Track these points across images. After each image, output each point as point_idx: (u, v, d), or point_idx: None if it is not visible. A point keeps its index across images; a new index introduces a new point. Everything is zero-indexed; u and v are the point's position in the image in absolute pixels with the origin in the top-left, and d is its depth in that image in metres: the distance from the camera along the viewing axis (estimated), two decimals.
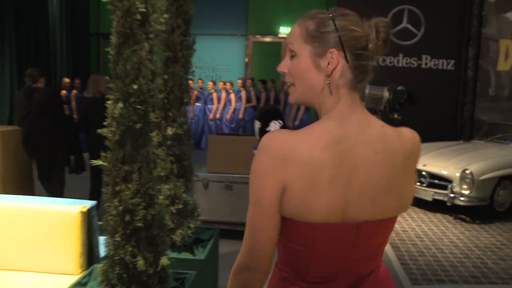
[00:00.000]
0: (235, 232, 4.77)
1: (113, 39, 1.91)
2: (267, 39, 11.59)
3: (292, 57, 1.14)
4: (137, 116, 1.93)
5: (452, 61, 9.84)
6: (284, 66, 1.16)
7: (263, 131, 1.90)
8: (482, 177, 5.69)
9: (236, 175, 4.82)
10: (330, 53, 1.09)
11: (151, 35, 2.12)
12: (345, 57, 1.09)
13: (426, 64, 9.87)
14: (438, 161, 6.22)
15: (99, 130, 1.95)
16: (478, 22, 9.66)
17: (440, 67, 9.85)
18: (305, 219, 1.08)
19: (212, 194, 4.88)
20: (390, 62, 9.96)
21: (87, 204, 2.67)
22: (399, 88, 8.37)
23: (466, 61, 9.83)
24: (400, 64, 9.91)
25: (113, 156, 1.95)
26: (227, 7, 11.40)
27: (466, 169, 5.71)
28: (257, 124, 1.90)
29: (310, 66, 1.11)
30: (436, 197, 5.96)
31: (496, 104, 9.60)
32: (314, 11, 1.14)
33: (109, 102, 1.95)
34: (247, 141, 4.66)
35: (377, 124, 1.13)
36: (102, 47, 11.73)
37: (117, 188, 1.97)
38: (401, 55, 9.90)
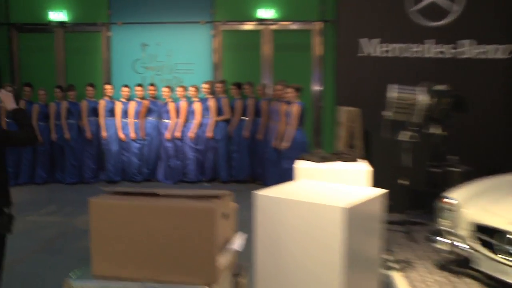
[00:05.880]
0: None
1: None
2: (243, 27, 8.64)
3: None
4: None
5: (507, 47, 7.17)
6: None
7: None
8: None
9: (151, 284, 1.85)
10: None
11: None
12: None
13: (466, 52, 7.26)
14: None
15: None
16: None
17: (488, 56, 7.30)
18: None
19: None
20: (416, 51, 7.15)
21: None
22: (441, 87, 5.33)
23: None
24: (428, 54, 7.37)
25: None
26: None
27: None
28: None
29: None
30: None
31: None
32: None
33: None
34: (173, 210, 1.64)
35: None
36: (15, 40, 9.09)
37: None
38: (430, 41, 7.27)
